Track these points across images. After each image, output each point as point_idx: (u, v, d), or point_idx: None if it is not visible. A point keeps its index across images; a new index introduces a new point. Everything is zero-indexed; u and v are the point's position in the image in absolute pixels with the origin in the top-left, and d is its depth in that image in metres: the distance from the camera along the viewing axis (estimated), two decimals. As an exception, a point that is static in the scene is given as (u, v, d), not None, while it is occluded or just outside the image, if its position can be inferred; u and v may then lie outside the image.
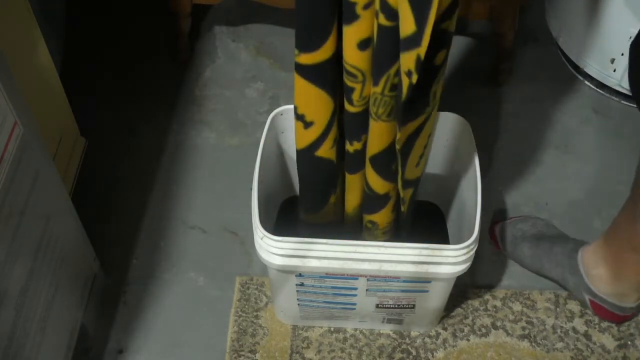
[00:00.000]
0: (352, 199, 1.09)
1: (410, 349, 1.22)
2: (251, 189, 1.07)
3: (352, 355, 1.21)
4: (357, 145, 0.97)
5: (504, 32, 1.49)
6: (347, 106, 0.91)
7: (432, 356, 1.21)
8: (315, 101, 0.92)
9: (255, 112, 1.56)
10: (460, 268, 1.02)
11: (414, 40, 0.75)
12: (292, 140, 1.21)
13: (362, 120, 0.92)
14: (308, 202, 1.12)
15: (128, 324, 1.25)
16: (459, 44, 1.65)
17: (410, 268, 1.02)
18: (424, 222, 1.26)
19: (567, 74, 1.62)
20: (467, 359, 1.21)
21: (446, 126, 1.17)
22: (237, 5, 1.74)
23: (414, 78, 0.78)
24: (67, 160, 1.30)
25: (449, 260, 1.01)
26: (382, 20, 0.78)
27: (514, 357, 1.21)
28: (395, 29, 0.78)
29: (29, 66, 1.14)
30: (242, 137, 1.51)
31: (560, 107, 1.56)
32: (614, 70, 1.50)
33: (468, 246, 1.01)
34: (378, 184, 1.01)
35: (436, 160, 1.23)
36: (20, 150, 0.89)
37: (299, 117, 0.95)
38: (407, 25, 0.75)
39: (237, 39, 1.70)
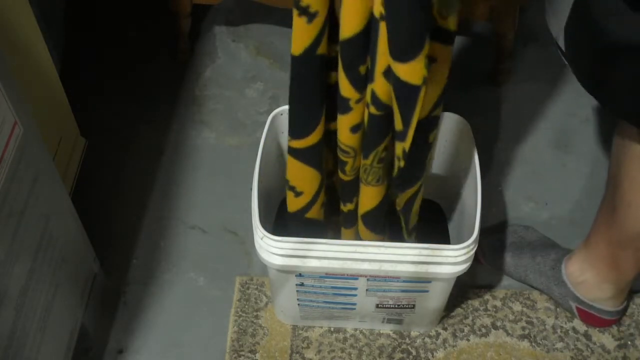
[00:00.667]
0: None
1: (410, 349, 1.22)
2: (251, 189, 1.07)
3: (352, 355, 1.21)
4: (350, 206, 1.09)
5: (504, 32, 1.49)
6: (341, 175, 1.03)
7: (432, 356, 1.21)
8: (305, 176, 1.02)
9: (255, 112, 1.56)
10: (460, 268, 1.02)
11: (401, 135, 0.88)
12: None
13: (353, 186, 1.05)
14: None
15: (128, 324, 1.25)
16: (459, 44, 1.65)
17: (410, 268, 1.02)
18: (425, 221, 1.26)
19: (567, 74, 1.61)
20: (467, 359, 1.21)
21: (446, 126, 1.17)
22: (237, 5, 1.74)
23: (402, 163, 0.92)
24: (67, 160, 1.30)
25: (449, 260, 1.01)
26: (373, 110, 0.90)
27: (514, 357, 1.21)
28: (383, 117, 0.90)
29: (29, 66, 1.14)
30: (242, 137, 1.51)
31: (560, 107, 1.56)
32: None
33: (468, 246, 1.01)
34: (369, 237, 1.12)
35: (436, 160, 1.24)
36: (20, 150, 0.89)
37: (290, 188, 1.05)
38: (397, 120, 0.88)
39: (237, 39, 1.70)
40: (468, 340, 1.23)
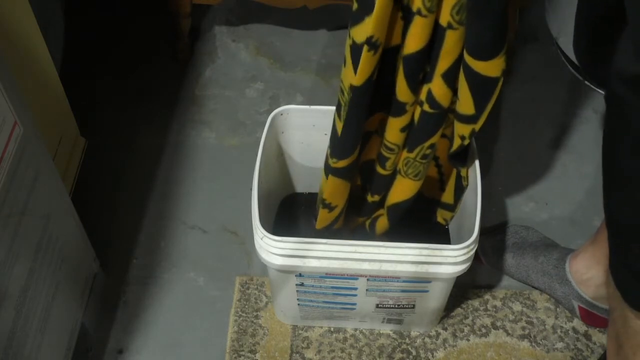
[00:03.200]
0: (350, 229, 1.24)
1: (410, 349, 1.22)
2: (251, 189, 1.07)
3: (352, 355, 1.21)
4: (376, 198, 1.13)
5: (504, 32, 1.49)
6: (380, 170, 1.07)
7: (432, 356, 1.21)
8: (341, 191, 1.09)
9: (255, 112, 1.56)
10: (460, 268, 1.02)
11: (472, 118, 0.93)
12: (292, 140, 1.22)
13: (388, 180, 1.09)
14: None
15: (128, 324, 1.25)
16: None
17: (410, 268, 1.02)
18: (426, 221, 1.27)
19: (567, 74, 1.62)
20: (467, 359, 1.21)
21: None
22: (237, 5, 1.74)
23: (466, 142, 0.97)
24: (67, 160, 1.30)
25: (449, 260, 1.01)
26: (427, 107, 0.94)
27: (514, 357, 1.21)
28: (435, 115, 0.95)
29: (29, 66, 1.14)
30: (242, 137, 1.52)
31: (560, 107, 1.56)
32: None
33: (468, 246, 1.01)
34: (383, 227, 1.17)
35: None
36: (20, 150, 0.89)
37: (326, 205, 1.10)
38: (466, 107, 0.92)
39: (237, 39, 1.70)
40: (468, 340, 1.23)
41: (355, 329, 1.24)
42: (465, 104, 0.92)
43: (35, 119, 0.95)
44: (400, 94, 0.94)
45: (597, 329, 1.23)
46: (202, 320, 1.26)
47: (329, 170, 1.04)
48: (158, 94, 1.59)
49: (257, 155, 1.11)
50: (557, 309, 1.26)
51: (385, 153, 1.04)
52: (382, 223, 1.17)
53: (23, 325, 0.94)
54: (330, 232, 1.18)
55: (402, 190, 1.09)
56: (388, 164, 1.05)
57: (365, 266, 1.02)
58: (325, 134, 1.19)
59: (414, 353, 1.22)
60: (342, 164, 1.02)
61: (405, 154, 1.03)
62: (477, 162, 1.10)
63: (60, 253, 1.05)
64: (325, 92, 1.59)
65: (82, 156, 1.35)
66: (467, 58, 0.87)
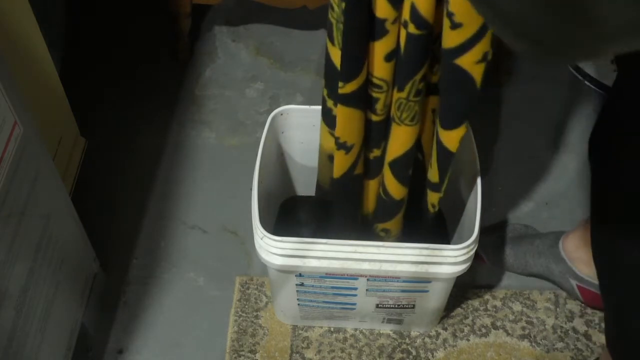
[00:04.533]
0: (367, 205, 1.12)
1: (410, 349, 1.22)
2: (251, 189, 1.07)
3: (352, 355, 1.21)
4: (376, 152, 1.01)
5: (504, 32, 1.49)
6: (371, 116, 0.95)
7: (432, 356, 1.21)
8: (356, 123, 0.96)
9: (255, 112, 1.56)
10: (460, 268, 1.02)
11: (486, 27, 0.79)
12: (292, 140, 1.21)
13: (383, 128, 0.97)
14: (336, 221, 1.14)
15: (128, 324, 1.25)
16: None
17: (410, 268, 1.02)
18: (425, 221, 1.26)
19: (567, 74, 1.62)
20: (467, 359, 1.21)
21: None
22: (237, 5, 1.74)
23: (490, 55, 0.83)
24: (67, 160, 1.30)
25: (449, 260, 1.01)
26: (412, 29, 0.81)
27: (514, 357, 1.21)
28: (423, 37, 0.82)
29: (29, 66, 1.14)
30: (242, 137, 1.51)
31: (560, 107, 1.56)
32: (614, 70, 1.50)
33: (468, 246, 1.01)
34: (396, 189, 1.04)
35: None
36: (20, 150, 0.89)
37: (341, 145, 0.98)
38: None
39: (237, 39, 1.70)
40: (468, 340, 1.23)
41: (355, 329, 1.24)
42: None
43: (35, 119, 0.95)
44: (378, 8, 0.82)
45: (563, 296, 1.25)
46: (202, 320, 1.26)
47: (339, 98, 0.92)
48: (158, 94, 1.59)
49: (257, 155, 1.11)
50: (557, 309, 1.26)
51: (374, 93, 0.91)
52: (392, 183, 1.03)
53: (23, 325, 0.94)
54: (336, 229, 1.14)
55: (400, 140, 0.96)
56: (379, 107, 0.93)
57: (365, 266, 1.02)
58: (325, 134, 1.19)
59: (414, 353, 1.22)
60: (349, 88, 0.89)
61: (396, 94, 0.91)
62: (477, 162, 1.10)
63: (60, 253, 1.05)
64: (325, 92, 1.58)
65: (82, 156, 1.35)
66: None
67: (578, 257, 1.20)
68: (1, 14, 1.03)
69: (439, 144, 0.93)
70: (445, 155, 0.95)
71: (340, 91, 0.90)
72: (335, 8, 0.85)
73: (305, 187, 1.32)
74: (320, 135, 1.06)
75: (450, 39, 0.80)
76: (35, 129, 0.95)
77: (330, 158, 1.04)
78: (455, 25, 0.78)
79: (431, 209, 1.06)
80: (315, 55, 1.65)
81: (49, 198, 1.01)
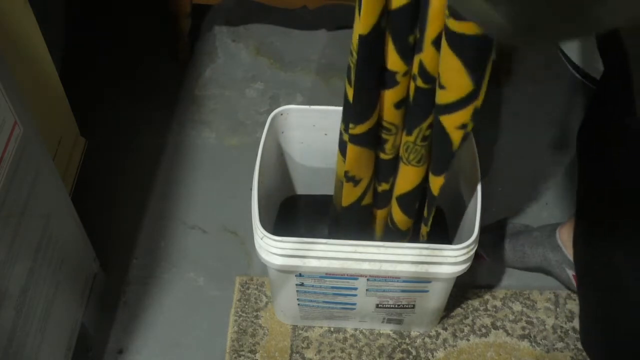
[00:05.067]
0: (375, 230, 1.19)
1: (410, 349, 1.22)
2: (251, 189, 1.07)
3: (352, 355, 1.21)
4: (385, 186, 1.08)
5: (504, 32, 1.49)
6: (381, 155, 1.03)
7: (432, 356, 1.21)
8: (364, 161, 1.03)
9: (255, 112, 1.56)
10: (460, 268, 1.02)
11: (471, 97, 0.85)
12: (292, 140, 1.21)
13: (392, 166, 1.04)
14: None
15: (128, 324, 1.25)
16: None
17: (410, 268, 1.02)
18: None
19: (567, 74, 1.62)
20: (467, 359, 1.21)
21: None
22: (237, 5, 1.74)
23: (470, 127, 0.89)
24: (67, 160, 1.30)
25: (449, 260, 1.01)
26: (420, 83, 0.89)
27: (514, 357, 1.21)
28: (430, 91, 0.89)
29: (29, 66, 1.14)
30: (242, 137, 1.51)
31: (560, 107, 1.56)
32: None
33: (468, 246, 1.01)
34: (402, 221, 1.11)
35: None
36: (20, 150, 0.89)
37: (350, 178, 1.05)
38: (463, 87, 0.85)
39: (237, 39, 1.70)
40: (468, 340, 1.23)
41: (355, 329, 1.24)
42: (460, 84, 0.84)
43: (35, 119, 0.95)
44: (390, 61, 0.88)
45: (563, 296, 1.25)
46: (202, 320, 1.26)
47: (349, 138, 0.98)
48: (158, 94, 1.59)
49: (257, 155, 1.11)
50: (557, 309, 1.26)
51: (384, 135, 0.98)
52: (399, 216, 1.11)
53: (23, 325, 0.94)
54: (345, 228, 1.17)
55: (407, 179, 1.04)
56: (388, 147, 1.00)
57: (365, 266, 1.02)
58: (326, 134, 1.19)
59: (414, 353, 1.22)
60: (360, 129, 0.96)
61: (404, 137, 0.98)
62: (477, 162, 1.10)
63: (60, 253, 1.05)
64: (325, 92, 1.59)
65: (82, 156, 1.35)
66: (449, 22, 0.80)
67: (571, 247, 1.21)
68: (1, 14, 1.03)
69: (428, 186, 1.03)
70: (430, 196, 1.04)
71: (350, 132, 0.97)
72: (354, 53, 0.89)
73: (305, 187, 1.32)
74: (336, 162, 1.10)
75: (439, 96, 0.88)
76: (35, 129, 0.95)
77: (336, 196, 1.12)
78: (441, 86, 0.86)
79: (421, 238, 1.13)
80: (315, 55, 1.65)
81: (49, 198, 1.01)
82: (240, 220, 1.36)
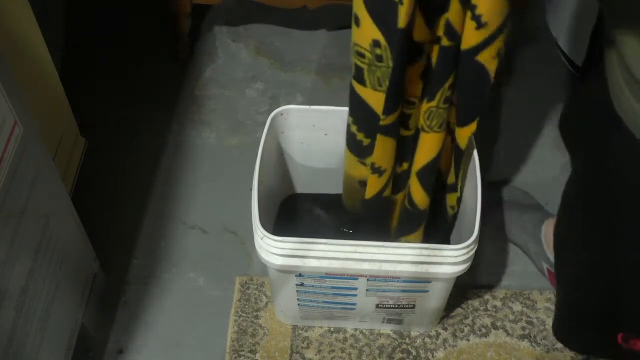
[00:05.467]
0: (393, 220, 1.18)
1: (410, 349, 1.22)
2: (251, 189, 1.07)
3: (352, 355, 1.21)
4: (405, 166, 1.08)
5: (504, 32, 1.49)
6: (403, 132, 1.02)
7: (432, 356, 1.21)
8: (390, 150, 1.03)
9: (255, 112, 1.56)
10: (460, 268, 1.02)
11: (507, 22, 0.87)
12: (292, 140, 1.21)
13: (413, 142, 1.04)
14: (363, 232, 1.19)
15: (128, 324, 1.25)
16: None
17: (410, 268, 1.02)
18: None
19: (567, 74, 1.62)
20: (467, 359, 1.21)
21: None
22: (237, 5, 1.74)
23: (503, 51, 0.90)
24: (67, 160, 1.30)
25: (449, 260, 1.01)
26: (445, 42, 0.89)
27: (514, 357, 1.21)
28: (454, 47, 0.89)
29: (29, 66, 1.14)
30: (242, 137, 1.51)
31: (560, 107, 1.56)
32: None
33: (468, 246, 1.01)
34: (421, 198, 1.10)
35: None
36: (20, 150, 0.89)
37: (376, 170, 1.04)
38: (504, 12, 0.86)
39: (237, 39, 1.70)
40: (468, 340, 1.23)
41: (355, 329, 1.24)
42: (499, 9, 0.87)
43: (35, 119, 0.95)
44: (417, 33, 0.89)
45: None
46: (202, 320, 1.26)
47: (379, 129, 0.98)
48: (158, 94, 1.59)
49: (257, 155, 1.11)
50: (557, 309, 1.26)
51: (406, 110, 0.99)
52: (418, 193, 1.10)
53: (23, 325, 0.94)
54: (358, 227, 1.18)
55: (429, 147, 1.03)
56: (411, 123, 1.00)
57: (365, 266, 1.02)
58: (326, 134, 1.19)
59: (414, 353, 1.22)
60: (392, 118, 0.96)
61: (425, 105, 0.98)
62: (477, 162, 1.10)
63: (60, 253, 1.05)
64: (325, 92, 1.59)
65: (82, 156, 1.35)
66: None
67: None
68: (1, 14, 1.03)
69: (453, 143, 1.03)
70: (457, 152, 1.04)
71: (381, 123, 0.97)
72: (367, 54, 0.91)
73: (305, 186, 1.32)
74: (345, 165, 1.10)
75: (476, 37, 0.87)
76: (35, 129, 0.95)
77: (361, 183, 1.10)
78: (480, 25, 0.86)
79: (450, 211, 1.13)
80: (315, 55, 1.65)
81: (49, 198, 1.01)
82: (240, 220, 1.36)
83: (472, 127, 1.00)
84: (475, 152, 1.11)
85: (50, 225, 1.01)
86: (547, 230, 1.25)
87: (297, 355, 1.21)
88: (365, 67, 0.92)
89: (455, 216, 1.18)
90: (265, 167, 1.14)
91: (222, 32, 1.71)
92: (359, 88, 0.96)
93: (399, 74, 0.91)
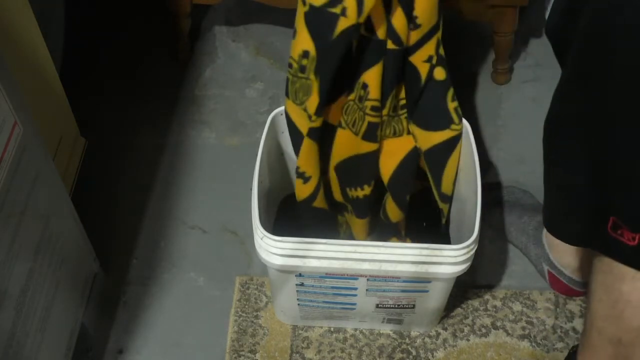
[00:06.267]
0: (360, 237, 1.21)
1: (410, 349, 1.22)
2: (251, 189, 1.07)
3: (352, 355, 1.21)
4: (367, 190, 1.09)
5: (504, 32, 1.49)
6: (369, 146, 1.04)
7: (432, 356, 1.21)
8: (314, 157, 1.05)
9: (255, 112, 1.56)
10: (460, 268, 1.02)
11: (436, 27, 0.95)
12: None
13: (376, 158, 1.06)
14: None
15: (128, 324, 1.25)
16: (458, 44, 1.65)
17: (410, 268, 1.02)
18: (426, 221, 1.26)
19: (567, 74, 1.61)
20: (467, 359, 1.21)
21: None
22: (237, 5, 1.74)
23: (434, 60, 0.96)
24: (67, 160, 1.30)
25: (449, 260, 1.01)
26: (390, 45, 0.93)
27: (514, 357, 1.21)
28: (398, 51, 0.94)
29: (29, 66, 1.14)
30: (242, 137, 1.52)
31: (560, 107, 1.56)
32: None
33: (468, 246, 1.01)
34: (393, 211, 1.13)
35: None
36: (20, 150, 0.89)
37: (300, 175, 1.07)
38: (433, 17, 0.94)
39: (237, 39, 1.70)
40: (468, 340, 1.23)
41: (355, 329, 1.24)
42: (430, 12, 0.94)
43: (35, 119, 0.95)
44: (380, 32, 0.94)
45: (565, 297, 1.27)
46: (202, 320, 1.26)
47: (308, 132, 1.02)
48: (158, 94, 1.59)
49: (257, 155, 1.11)
50: (557, 309, 1.26)
51: (373, 119, 1.01)
52: (391, 206, 1.13)
53: (23, 325, 0.94)
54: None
55: (390, 154, 1.06)
56: (379, 132, 1.03)
57: (365, 266, 1.02)
58: (325, 134, 1.19)
59: (414, 353, 1.22)
60: (318, 122, 1.00)
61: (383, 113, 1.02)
62: (477, 162, 1.10)
63: (60, 253, 1.05)
64: (325, 92, 1.58)
65: (82, 156, 1.35)
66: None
67: (557, 245, 1.22)
68: (1, 14, 1.03)
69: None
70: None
71: (310, 126, 1.00)
72: (295, 65, 0.96)
73: (305, 187, 1.32)
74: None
75: (411, 37, 0.94)
76: (35, 129, 0.95)
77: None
78: (416, 26, 0.92)
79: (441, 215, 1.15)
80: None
81: (49, 198, 1.01)
82: (240, 220, 1.36)
83: (413, 129, 1.03)
84: (475, 152, 1.11)
85: (50, 225, 1.01)
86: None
87: (297, 355, 1.21)
88: (290, 77, 0.96)
89: (446, 222, 1.21)
90: (265, 167, 1.14)
91: (222, 32, 1.71)
92: (286, 100, 1.01)
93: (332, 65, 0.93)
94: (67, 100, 1.30)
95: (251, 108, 1.57)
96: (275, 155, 1.22)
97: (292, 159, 1.25)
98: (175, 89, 1.60)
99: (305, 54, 0.93)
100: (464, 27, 1.67)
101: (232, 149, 1.50)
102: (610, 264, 0.86)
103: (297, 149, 1.05)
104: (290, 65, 0.97)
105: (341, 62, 0.93)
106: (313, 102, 0.97)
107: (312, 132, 1.01)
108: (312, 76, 0.95)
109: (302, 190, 1.10)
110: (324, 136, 1.04)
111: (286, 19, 1.69)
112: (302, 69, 0.95)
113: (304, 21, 0.91)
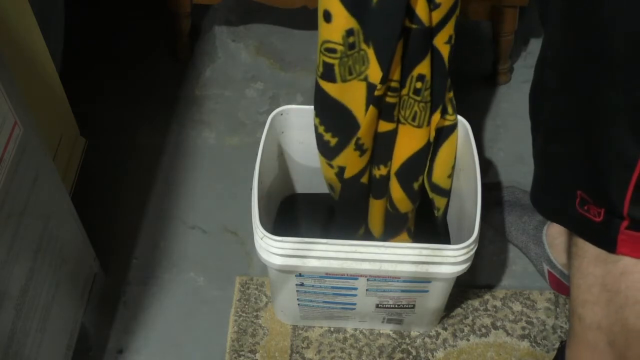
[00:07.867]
0: (376, 225, 1.19)
1: (410, 349, 1.22)
2: (251, 189, 1.07)
3: (352, 355, 1.21)
4: (383, 170, 1.08)
5: (504, 32, 1.49)
6: (386, 126, 1.03)
7: (432, 356, 1.21)
8: (374, 128, 1.03)
9: (255, 112, 1.56)
10: (460, 268, 1.02)
11: (456, 5, 0.93)
12: (292, 140, 1.21)
13: (392, 138, 1.05)
14: (341, 228, 1.21)
15: (128, 324, 1.25)
16: (458, 44, 1.65)
17: (410, 268, 1.02)
18: (426, 221, 1.26)
19: (567, 74, 1.61)
20: (467, 359, 1.21)
21: (446, 126, 1.17)
22: (237, 5, 1.74)
23: (453, 40, 0.96)
24: (67, 160, 1.30)
25: (449, 260, 1.01)
26: (407, 23, 0.92)
27: (514, 357, 1.21)
28: (419, 31, 0.93)
29: (29, 66, 1.14)
30: (242, 137, 1.52)
31: (560, 107, 1.56)
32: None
33: (468, 246, 1.01)
34: (402, 201, 1.11)
35: (436, 160, 1.24)
36: (20, 150, 0.89)
37: (359, 147, 1.04)
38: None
39: (237, 39, 1.70)
40: (468, 340, 1.23)
41: (355, 329, 1.24)
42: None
43: (36, 119, 0.95)
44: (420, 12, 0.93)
45: (563, 296, 1.26)
46: (202, 320, 1.26)
47: (374, 101, 0.99)
48: (158, 94, 1.59)
49: (257, 155, 1.11)
50: (557, 309, 1.26)
51: (390, 99, 0.99)
52: (398, 195, 1.12)
53: (23, 325, 0.94)
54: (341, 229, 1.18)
55: (406, 142, 1.05)
56: (396, 112, 1.01)
57: (365, 266, 1.02)
58: (325, 134, 1.19)
59: (414, 353, 1.22)
60: (382, 90, 0.99)
61: (402, 92, 1.00)
62: (477, 162, 1.10)
63: (60, 253, 1.05)
64: (325, 92, 1.58)
65: (82, 156, 1.35)
66: None
67: (557, 244, 1.23)
68: (1, 14, 1.03)
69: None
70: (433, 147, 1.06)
71: (376, 94, 0.97)
72: (339, 48, 0.93)
73: (305, 187, 1.32)
74: (322, 167, 1.11)
75: (432, 18, 0.93)
76: (35, 129, 0.95)
77: (330, 187, 1.14)
78: (436, 5, 0.91)
79: (436, 212, 1.14)
80: (315, 55, 1.65)
81: (49, 198, 1.01)
82: (240, 220, 1.36)
83: (436, 116, 1.02)
84: (475, 152, 1.11)
85: (50, 225, 1.01)
86: (550, 230, 1.25)
87: (297, 355, 1.21)
88: (336, 61, 0.94)
89: (443, 218, 1.20)
90: (265, 167, 1.14)
91: (222, 32, 1.71)
92: (327, 86, 0.98)
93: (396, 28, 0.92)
94: (67, 100, 1.30)
95: (251, 108, 1.57)
96: (275, 155, 1.22)
97: (292, 159, 1.26)
98: (175, 89, 1.60)
99: (349, 32, 0.92)
100: (464, 27, 1.67)
101: (232, 149, 1.50)
102: (584, 247, 0.85)
103: (341, 134, 1.03)
104: (332, 50, 0.94)
105: (390, 27, 0.92)
106: (374, 70, 0.96)
107: (377, 101, 0.98)
108: (364, 46, 0.93)
109: (356, 164, 1.07)
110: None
111: (286, 19, 1.69)
112: (351, 46, 0.93)
113: (340, 2, 0.89)
